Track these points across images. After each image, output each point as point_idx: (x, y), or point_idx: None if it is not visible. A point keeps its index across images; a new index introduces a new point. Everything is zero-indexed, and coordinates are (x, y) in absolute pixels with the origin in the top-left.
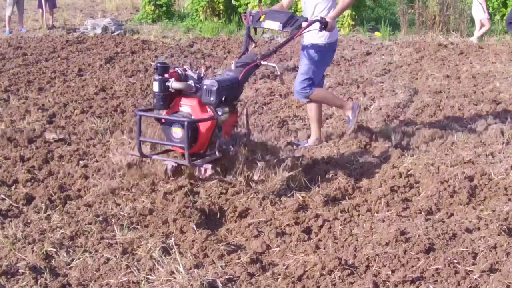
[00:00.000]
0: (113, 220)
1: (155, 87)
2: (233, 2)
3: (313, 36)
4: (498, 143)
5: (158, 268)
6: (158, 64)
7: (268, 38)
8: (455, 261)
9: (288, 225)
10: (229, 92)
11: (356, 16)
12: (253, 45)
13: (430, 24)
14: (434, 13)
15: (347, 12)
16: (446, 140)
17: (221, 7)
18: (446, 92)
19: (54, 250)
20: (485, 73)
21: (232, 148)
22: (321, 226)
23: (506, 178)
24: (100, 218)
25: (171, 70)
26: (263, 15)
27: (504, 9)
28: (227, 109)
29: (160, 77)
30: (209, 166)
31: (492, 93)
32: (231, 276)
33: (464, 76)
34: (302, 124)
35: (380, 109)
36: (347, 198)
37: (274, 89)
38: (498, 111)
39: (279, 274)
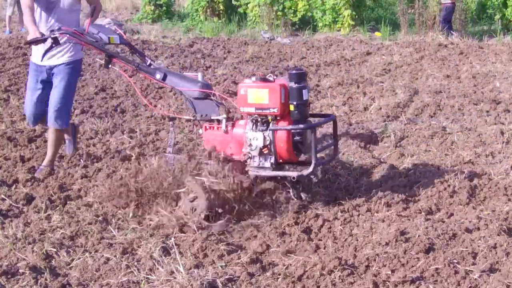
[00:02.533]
0: (113, 220)
1: (306, 95)
2: (233, 2)
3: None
4: (498, 143)
5: (158, 268)
6: (301, 71)
7: (268, 38)
8: (455, 261)
9: (288, 225)
10: None
11: (356, 16)
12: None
13: (430, 24)
14: (434, 13)
15: (348, 12)
16: (446, 140)
17: (221, 7)
18: (446, 92)
19: (54, 250)
20: (485, 73)
21: None
22: (321, 226)
23: (506, 178)
24: (100, 218)
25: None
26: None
27: (505, 9)
28: None
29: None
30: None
31: (492, 93)
32: (231, 276)
33: (464, 76)
34: None
35: (380, 109)
36: (347, 198)
37: None
38: (498, 111)
39: (279, 274)
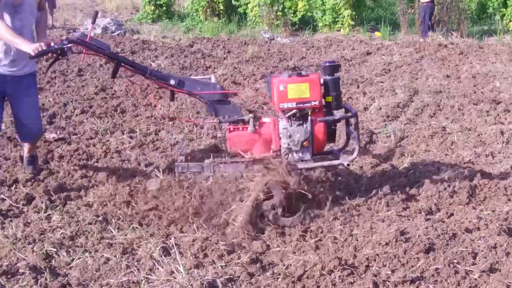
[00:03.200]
0: (113, 220)
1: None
2: (233, 2)
3: None
4: (498, 143)
5: (158, 268)
6: (335, 63)
7: (268, 38)
8: (455, 261)
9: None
10: None
11: (356, 16)
12: None
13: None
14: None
15: (347, 12)
16: (446, 140)
17: (221, 7)
18: (446, 92)
19: (54, 250)
20: (485, 73)
21: None
22: (321, 226)
23: (506, 178)
24: (100, 218)
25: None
26: None
27: (504, 9)
28: None
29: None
30: None
31: (492, 93)
32: (231, 276)
33: (464, 76)
34: None
35: (380, 109)
36: (347, 198)
37: None
38: (498, 111)
39: (279, 274)
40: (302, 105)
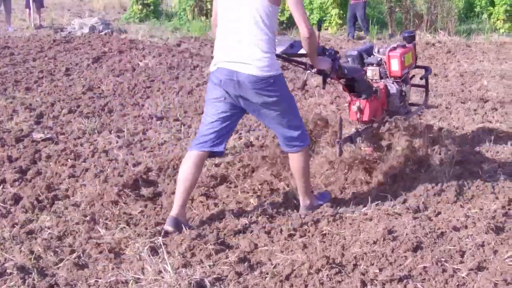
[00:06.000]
0: (100, 220)
1: None
2: None
3: None
4: (485, 142)
5: (146, 268)
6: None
7: None
8: (443, 259)
9: (276, 224)
10: None
11: (344, 15)
12: None
13: (417, 22)
14: (421, 12)
15: (335, 11)
16: (433, 138)
17: (209, 6)
18: (433, 90)
19: (42, 250)
20: (473, 72)
21: None
22: (309, 225)
23: (493, 176)
24: (87, 218)
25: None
26: None
27: (492, 8)
28: None
29: None
30: None
31: (480, 92)
32: (219, 275)
33: (451, 75)
34: None
35: None
36: (334, 196)
37: None
38: (486, 109)
39: (267, 273)
40: (409, 69)
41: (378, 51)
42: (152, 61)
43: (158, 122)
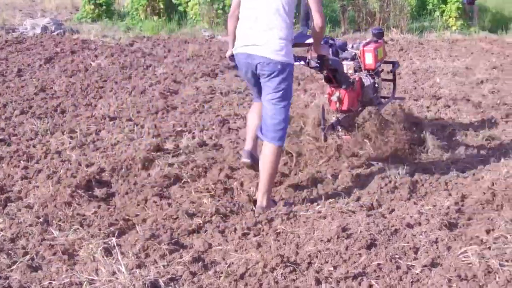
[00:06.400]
0: (54, 221)
1: None
2: (173, 1)
3: None
4: (438, 138)
5: (100, 269)
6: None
7: (208, 36)
8: (397, 256)
9: (230, 223)
10: None
11: (297, 14)
12: None
13: (370, 21)
14: (374, 10)
15: None
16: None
17: (161, 6)
18: (386, 88)
19: None
20: (425, 69)
21: None
22: (263, 224)
23: (446, 173)
24: (41, 220)
25: None
26: None
27: (444, 5)
28: None
29: None
30: None
31: (432, 89)
32: (173, 276)
33: (404, 72)
34: (244, 123)
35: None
36: (288, 195)
37: (215, 88)
38: (439, 106)
39: (221, 273)
40: (381, 63)
41: (352, 47)
42: (104, 61)
43: (111, 122)
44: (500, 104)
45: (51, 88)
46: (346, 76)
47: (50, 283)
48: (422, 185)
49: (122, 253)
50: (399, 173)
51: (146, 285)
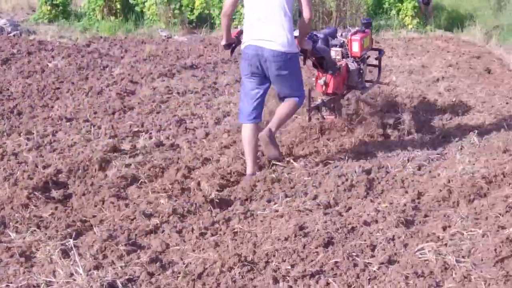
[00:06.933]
0: (11, 223)
1: None
2: (130, 1)
3: None
4: (394, 137)
5: (57, 271)
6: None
7: (165, 36)
8: (354, 254)
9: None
10: None
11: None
12: None
13: (327, 20)
14: (331, 9)
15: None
16: (343, 134)
17: (118, 6)
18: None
19: None
20: (382, 68)
21: None
22: (220, 223)
23: (402, 170)
24: None
25: None
26: None
27: (400, 4)
28: None
29: None
30: None
31: (389, 87)
32: (131, 276)
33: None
34: (200, 122)
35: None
36: (245, 194)
37: (172, 88)
38: (395, 104)
39: (179, 273)
40: (366, 51)
41: (341, 35)
42: (61, 62)
43: (68, 123)
44: (456, 102)
45: (8, 89)
46: (333, 62)
47: (7, 285)
48: (379, 183)
49: (79, 254)
50: (355, 171)
51: (104, 286)
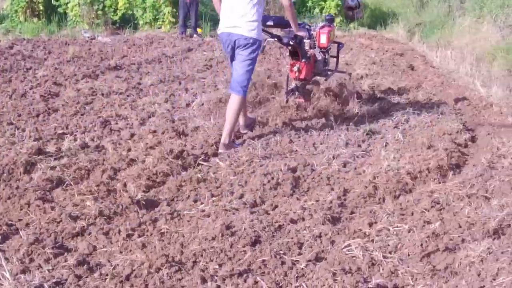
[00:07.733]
0: None
1: None
2: (53, 2)
3: None
4: (319, 135)
5: None
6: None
7: (89, 37)
8: (281, 252)
9: (114, 224)
10: None
11: (177, 13)
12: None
13: None
14: (267, 7)
15: (168, 9)
16: (265, 132)
17: (41, 8)
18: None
19: None
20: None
21: None
22: (147, 224)
23: (328, 168)
24: None
25: None
26: None
27: (323, 2)
28: None
29: None
30: None
31: (309, 85)
32: (59, 280)
33: (285, 70)
34: (125, 123)
35: (202, 104)
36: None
37: (96, 89)
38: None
39: (107, 275)
40: (331, 43)
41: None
42: None
43: None
44: (380, 99)
45: None
46: (306, 52)
47: None
48: (305, 180)
49: (6, 258)
50: (281, 170)
51: None
